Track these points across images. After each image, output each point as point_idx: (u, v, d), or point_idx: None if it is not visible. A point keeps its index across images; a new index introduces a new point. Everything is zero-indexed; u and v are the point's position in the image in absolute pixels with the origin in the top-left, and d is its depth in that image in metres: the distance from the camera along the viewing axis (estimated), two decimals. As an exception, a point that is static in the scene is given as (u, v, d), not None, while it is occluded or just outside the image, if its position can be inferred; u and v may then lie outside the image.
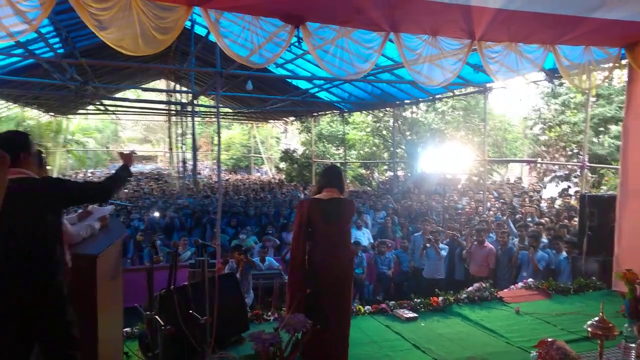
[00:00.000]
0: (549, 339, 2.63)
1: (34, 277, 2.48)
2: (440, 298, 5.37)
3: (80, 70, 11.77)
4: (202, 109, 20.90)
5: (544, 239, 7.59)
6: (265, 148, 30.48)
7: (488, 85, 10.94)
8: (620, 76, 14.09)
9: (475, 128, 20.26)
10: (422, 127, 20.85)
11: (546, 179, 18.60)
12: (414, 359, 4.09)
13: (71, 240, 2.95)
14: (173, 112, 21.65)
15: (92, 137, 30.65)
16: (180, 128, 21.05)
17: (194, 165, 16.41)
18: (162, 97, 21.72)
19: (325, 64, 5.13)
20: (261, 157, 30.64)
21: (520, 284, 6.15)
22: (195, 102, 15.77)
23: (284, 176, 24.09)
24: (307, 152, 23.19)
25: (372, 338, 4.46)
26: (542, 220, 9.09)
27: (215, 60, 8.54)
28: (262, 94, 16.50)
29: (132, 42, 4.07)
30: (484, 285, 5.75)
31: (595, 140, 16.34)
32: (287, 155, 23.72)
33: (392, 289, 8.56)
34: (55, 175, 21.09)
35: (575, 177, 17.14)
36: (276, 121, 27.39)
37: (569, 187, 14.70)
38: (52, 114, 23.15)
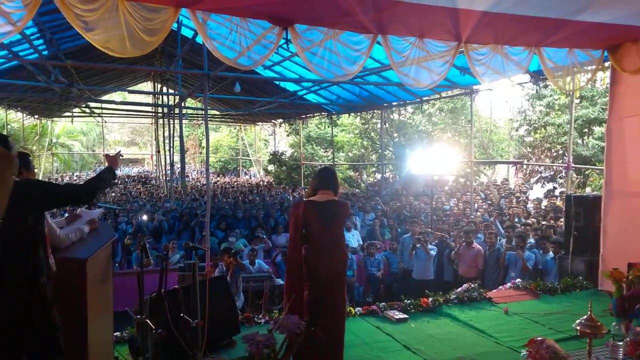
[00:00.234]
0: (539, 338, 2.66)
1: (15, 282, 2.43)
2: (430, 299, 5.40)
3: (65, 72, 11.64)
4: (190, 111, 20.81)
5: (531, 240, 7.67)
6: (253, 150, 30.39)
7: (474, 87, 11.07)
8: (604, 78, 14.33)
9: (462, 130, 20.43)
10: (409, 129, 20.98)
11: (532, 180, 18.81)
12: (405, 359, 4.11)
13: (60, 244, 2.91)
14: (160, 114, 21.50)
15: (78, 140, 30.35)
16: (167, 130, 20.88)
17: (182, 168, 16.28)
18: (149, 99, 21.52)
19: (314, 66, 5.15)
20: (249, 160, 30.55)
21: (508, 284, 6.21)
22: (182, 104, 15.68)
23: (272, 178, 24.04)
24: (295, 154, 23.18)
25: (364, 339, 4.47)
26: (529, 221, 9.19)
27: (202, 62, 8.50)
28: (250, 96, 16.48)
29: (118, 43, 4.05)
30: (472, 285, 5.79)
31: (579, 141, 16.58)
32: (275, 158, 23.67)
33: (382, 290, 8.58)
34: (40, 178, 20.80)
35: (560, 178, 17.36)
36: (264, 123, 27.34)
37: (555, 187, 14.90)
38: (37, 116, 22.87)
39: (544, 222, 9.08)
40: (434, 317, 5.15)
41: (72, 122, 27.62)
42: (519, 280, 6.25)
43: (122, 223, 10.55)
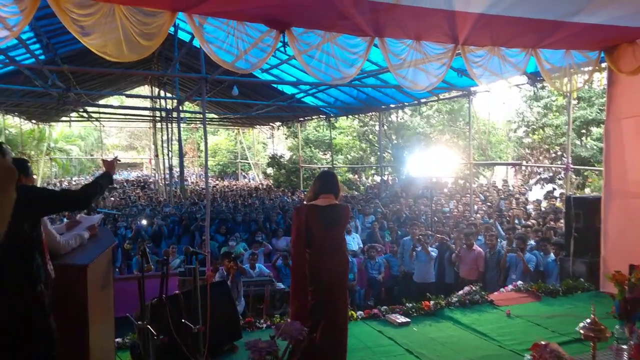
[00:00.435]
0: (543, 342, 2.64)
1: (11, 289, 2.41)
2: (432, 302, 5.38)
3: (62, 77, 11.62)
4: (188, 114, 20.79)
5: (532, 241, 7.66)
6: (252, 154, 30.38)
7: (472, 89, 11.08)
8: (601, 79, 14.36)
9: (460, 131, 20.46)
10: (408, 131, 20.99)
11: (531, 182, 18.82)
12: (407, 363, 4.10)
13: (60, 251, 2.89)
14: (158, 118, 21.49)
15: (76, 145, 30.25)
16: (165, 134, 20.88)
17: (181, 171, 16.25)
18: (147, 103, 21.52)
19: (311, 69, 5.14)
20: (248, 163, 30.52)
21: (509, 287, 6.20)
22: (180, 107, 15.67)
23: (271, 182, 24.02)
24: (294, 157, 23.18)
25: (366, 343, 4.46)
26: (529, 223, 9.18)
27: (200, 65, 8.50)
28: (248, 100, 16.47)
29: (115, 48, 4.04)
30: (474, 288, 5.78)
31: (578, 142, 16.60)
32: (274, 161, 23.67)
33: (383, 293, 8.56)
34: (39, 183, 20.77)
35: (559, 179, 17.38)
36: (262, 126, 27.33)
37: (554, 189, 14.88)
38: (34, 121, 22.81)
39: (544, 224, 9.07)
40: (435, 320, 5.14)
41: (69, 126, 27.61)
42: (520, 282, 6.24)
43: (121, 228, 10.52)
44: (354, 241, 9.44)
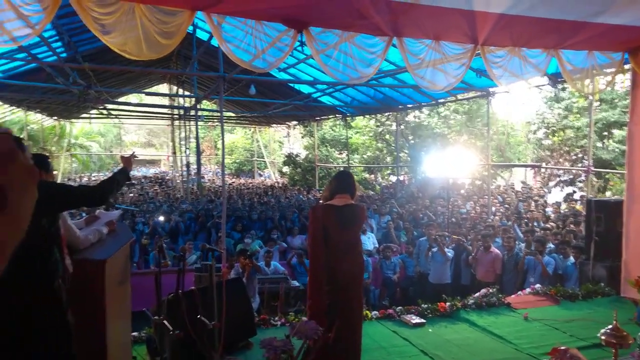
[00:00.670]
0: (562, 347, 2.59)
1: (29, 284, 2.41)
2: (448, 304, 5.34)
3: (82, 75, 11.80)
4: (205, 113, 20.96)
5: (551, 244, 7.55)
6: (268, 152, 30.49)
7: (491, 89, 10.95)
8: (624, 80, 14.08)
9: (478, 132, 20.24)
10: (425, 132, 20.85)
11: (551, 184, 18.55)
12: (422, 364, 4.07)
13: (79, 245, 2.93)
14: (176, 116, 21.71)
15: (96, 141, 30.75)
16: (183, 132, 21.09)
17: (198, 169, 16.40)
18: (165, 101, 21.76)
19: (329, 68, 5.13)
20: (264, 161, 30.65)
21: (527, 290, 6.11)
22: (198, 106, 15.81)
23: (287, 180, 24.09)
24: (310, 156, 23.20)
25: (380, 344, 4.44)
26: (549, 225, 9.05)
27: (217, 64, 8.54)
28: (265, 98, 16.53)
29: (135, 46, 4.09)
30: (491, 290, 5.71)
31: (599, 144, 16.30)
32: (290, 160, 23.72)
33: (398, 293, 8.52)
34: (59, 179, 21.15)
35: (579, 181, 17.09)
36: (279, 125, 27.42)
37: (574, 191, 14.65)
38: (56, 118, 23.21)
39: (564, 227, 8.92)
40: (451, 322, 5.09)
41: (90, 123, 28.11)
42: (538, 285, 6.15)
43: (139, 223, 10.66)
44: (369, 241, 9.41)
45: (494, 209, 11.53)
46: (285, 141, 31.98)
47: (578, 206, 10.91)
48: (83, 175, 26.93)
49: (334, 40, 4.76)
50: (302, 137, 26.65)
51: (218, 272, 5.63)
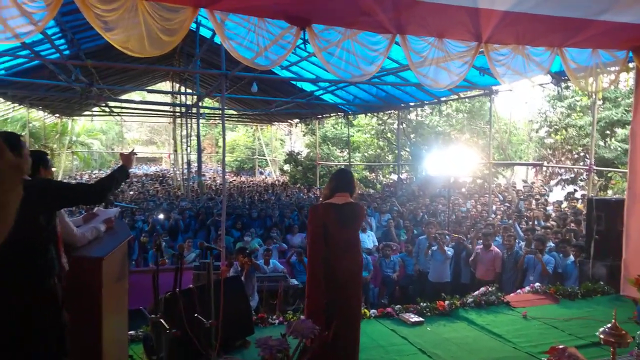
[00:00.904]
0: (560, 346, 2.58)
1: (25, 281, 2.40)
2: (447, 302, 5.32)
3: (85, 72, 11.80)
4: (207, 110, 20.96)
5: (551, 243, 7.52)
6: (269, 150, 30.48)
7: (494, 87, 10.92)
8: (627, 79, 14.03)
9: (480, 131, 20.20)
10: (426, 130, 20.82)
11: (552, 182, 18.51)
12: (420, 363, 4.06)
13: (76, 243, 2.92)
14: (178, 114, 21.71)
15: (97, 139, 30.80)
16: (184, 130, 21.10)
17: (199, 167, 16.41)
18: (167, 98, 21.76)
19: (331, 66, 5.13)
20: (265, 159, 30.65)
21: (527, 288, 6.08)
22: (200, 104, 15.80)
23: (288, 178, 24.09)
24: (311, 154, 23.19)
25: (378, 342, 4.43)
26: (549, 224, 9.02)
27: (220, 62, 8.54)
28: (267, 96, 16.53)
29: (137, 43, 4.08)
30: (490, 289, 5.70)
31: (601, 143, 16.24)
32: (291, 158, 23.72)
33: (397, 292, 8.50)
34: (60, 176, 21.19)
35: (581, 180, 17.04)
36: (280, 123, 27.41)
37: (576, 190, 14.61)
38: (58, 115, 23.25)
39: (564, 225, 8.90)
40: (450, 320, 5.07)
41: (92, 120, 28.16)
42: (537, 284, 6.13)
43: (138, 221, 10.66)
44: (369, 239, 9.40)
45: (494, 207, 11.51)
46: (286, 139, 31.98)
47: (579, 205, 10.87)
48: (84, 173, 26.97)
49: (337, 38, 4.75)
50: (304, 135, 26.64)
51: (217, 270, 5.63)
